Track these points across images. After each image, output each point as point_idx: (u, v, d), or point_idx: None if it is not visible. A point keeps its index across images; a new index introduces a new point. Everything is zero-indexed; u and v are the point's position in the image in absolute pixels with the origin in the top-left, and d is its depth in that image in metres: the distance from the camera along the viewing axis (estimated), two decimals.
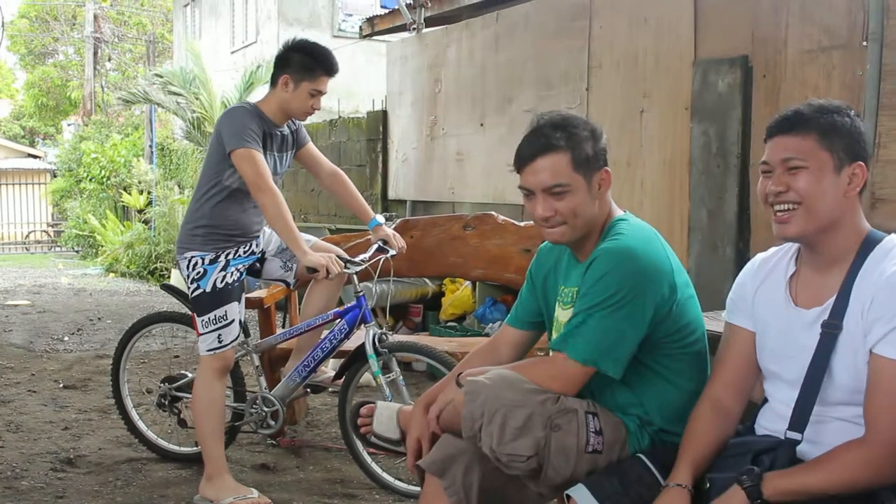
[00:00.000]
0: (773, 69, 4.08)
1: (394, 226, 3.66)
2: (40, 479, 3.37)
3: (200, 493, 3.11)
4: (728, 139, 4.26)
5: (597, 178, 1.93)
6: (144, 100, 11.98)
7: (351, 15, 13.59)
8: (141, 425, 3.69)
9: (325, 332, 3.27)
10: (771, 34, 4.08)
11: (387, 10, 8.73)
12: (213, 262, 3.09)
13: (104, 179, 16.34)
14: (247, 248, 3.21)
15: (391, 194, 7.67)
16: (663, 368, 1.91)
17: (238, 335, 3.15)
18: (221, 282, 3.08)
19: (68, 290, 10.60)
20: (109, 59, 24.90)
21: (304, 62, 3.05)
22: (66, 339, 6.77)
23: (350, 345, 3.26)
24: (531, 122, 1.97)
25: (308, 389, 3.47)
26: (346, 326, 3.20)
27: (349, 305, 3.23)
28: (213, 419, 3.12)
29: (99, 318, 7.89)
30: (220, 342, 3.09)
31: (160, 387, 3.55)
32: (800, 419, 1.65)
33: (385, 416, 2.11)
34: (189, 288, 3.13)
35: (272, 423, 3.33)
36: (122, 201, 15.12)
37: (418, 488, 2.15)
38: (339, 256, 3.06)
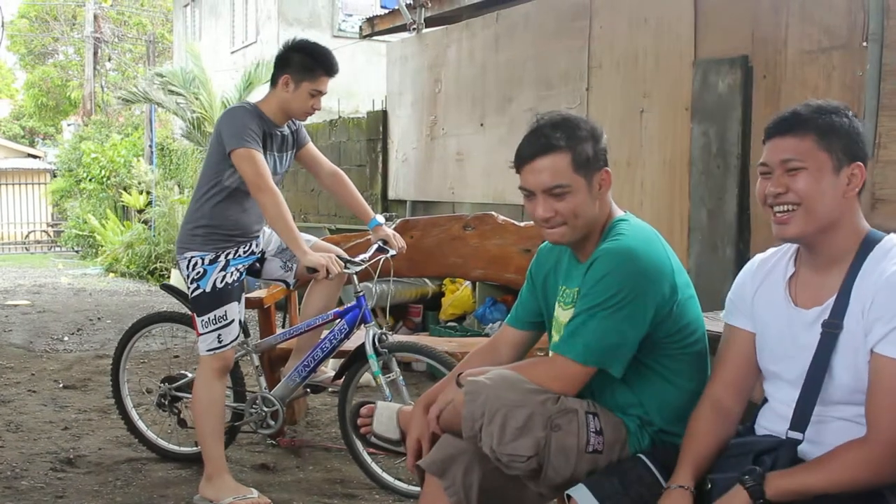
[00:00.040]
0: (774, 69, 4.08)
1: (394, 226, 3.66)
2: (40, 478, 3.37)
3: (200, 493, 3.11)
4: (728, 139, 4.26)
5: (597, 179, 1.93)
6: (144, 99, 11.99)
7: (351, 15, 13.59)
8: (141, 425, 3.69)
9: (325, 332, 3.27)
10: (771, 34, 4.09)
11: (387, 11, 8.72)
12: (213, 262, 3.09)
13: (104, 179, 16.34)
14: (247, 248, 3.21)
15: (391, 194, 7.67)
16: (663, 369, 1.91)
17: (238, 335, 3.15)
18: (221, 282, 3.08)
19: (68, 290, 10.60)
20: (109, 59, 24.90)
21: (305, 62, 3.05)
22: (65, 338, 6.77)
23: (350, 345, 3.26)
24: (531, 122, 1.97)
25: (308, 389, 3.47)
26: (346, 326, 3.20)
27: (349, 305, 3.23)
28: (213, 419, 3.12)
29: (99, 318, 7.89)
30: (219, 342, 3.09)
31: (160, 387, 3.55)
32: (801, 419, 1.65)
33: (385, 417, 2.11)
34: (189, 288, 3.13)
35: (272, 423, 3.33)
36: (122, 201, 15.12)
37: (418, 488, 2.15)
38: (339, 256, 3.06)
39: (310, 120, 3.33)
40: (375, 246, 3.30)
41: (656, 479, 1.80)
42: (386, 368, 3.12)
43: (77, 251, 17.14)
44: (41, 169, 22.30)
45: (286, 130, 3.21)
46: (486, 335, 5.01)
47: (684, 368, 1.92)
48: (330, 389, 3.59)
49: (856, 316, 1.61)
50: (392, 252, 3.29)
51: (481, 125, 6.36)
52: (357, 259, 3.19)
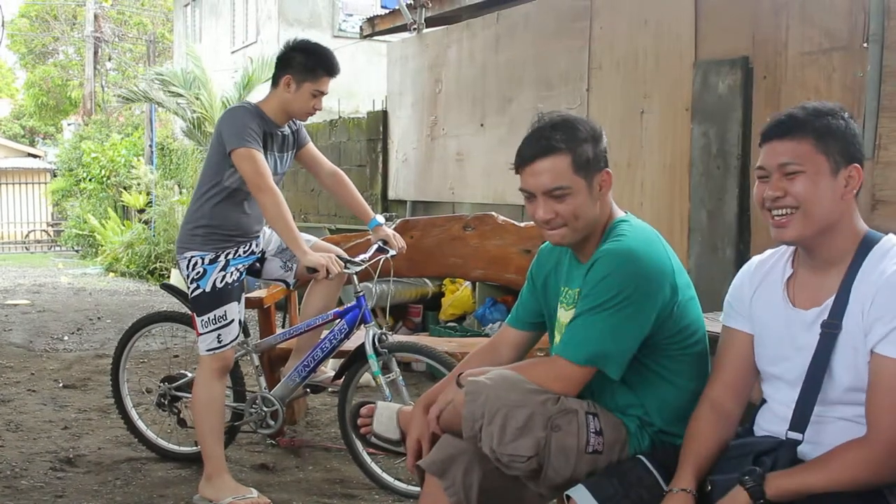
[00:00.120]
0: (774, 71, 4.08)
1: (394, 226, 3.66)
2: (40, 478, 3.37)
3: (200, 492, 3.11)
4: (728, 140, 4.27)
5: (597, 180, 1.93)
6: (145, 99, 11.99)
7: (351, 15, 13.59)
8: (140, 425, 3.69)
9: (325, 332, 3.27)
10: (771, 35, 4.09)
11: (387, 11, 8.73)
12: (213, 261, 3.09)
13: (104, 179, 16.35)
14: (247, 247, 3.21)
15: (391, 194, 7.67)
16: (664, 369, 1.91)
17: (238, 335, 3.15)
18: (221, 282, 3.08)
19: (68, 290, 10.60)
20: (110, 59, 24.90)
21: (307, 63, 3.05)
22: (65, 338, 6.77)
23: (350, 345, 3.26)
24: (531, 123, 1.97)
25: (308, 389, 3.47)
26: (345, 326, 3.20)
27: (349, 305, 3.23)
28: (213, 419, 3.12)
29: (98, 318, 7.89)
30: (219, 342, 3.09)
31: (160, 386, 3.55)
32: (800, 419, 1.66)
33: (385, 417, 2.11)
34: (189, 288, 3.13)
35: (272, 422, 3.33)
36: (122, 201, 15.13)
37: (418, 488, 2.15)
38: (339, 256, 3.06)
39: (310, 120, 3.33)
40: (375, 246, 3.30)
41: (656, 480, 1.80)
42: (386, 368, 3.12)
43: (77, 251, 17.14)
44: (41, 168, 22.31)
45: (287, 130, 3.21)
46: (486, 335, 5.01)
47: (685, 369, 1.92)
48: (330, 389, 3.59)
49: (855, 316, 1.61)
50: (392, 252, 3.29)
51: (481, 125, 6.36)
52: (357, 259, 3.19)
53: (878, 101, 3.56)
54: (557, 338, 1.99)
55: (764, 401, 1.82)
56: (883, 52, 3.54)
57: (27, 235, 21.05)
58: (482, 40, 6.39)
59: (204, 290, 3.08)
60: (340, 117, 8.89)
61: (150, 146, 15.27)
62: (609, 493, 1.76)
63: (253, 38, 14.44)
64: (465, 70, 6.61)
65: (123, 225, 14.30)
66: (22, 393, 4.78)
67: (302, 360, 3.26)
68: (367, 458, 3.25)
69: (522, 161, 1.93)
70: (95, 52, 21.90)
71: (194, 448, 3.49)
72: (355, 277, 3.19)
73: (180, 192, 13.09)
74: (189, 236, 3.13)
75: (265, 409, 3.32)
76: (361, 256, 3.23)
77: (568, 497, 1.78)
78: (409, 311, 6.25)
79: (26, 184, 21.69)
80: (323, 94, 3.09)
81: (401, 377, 3.13)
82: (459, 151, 6.62)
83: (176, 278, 9.43)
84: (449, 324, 5.86)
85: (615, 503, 1.75)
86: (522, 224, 3.87)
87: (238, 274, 3.14)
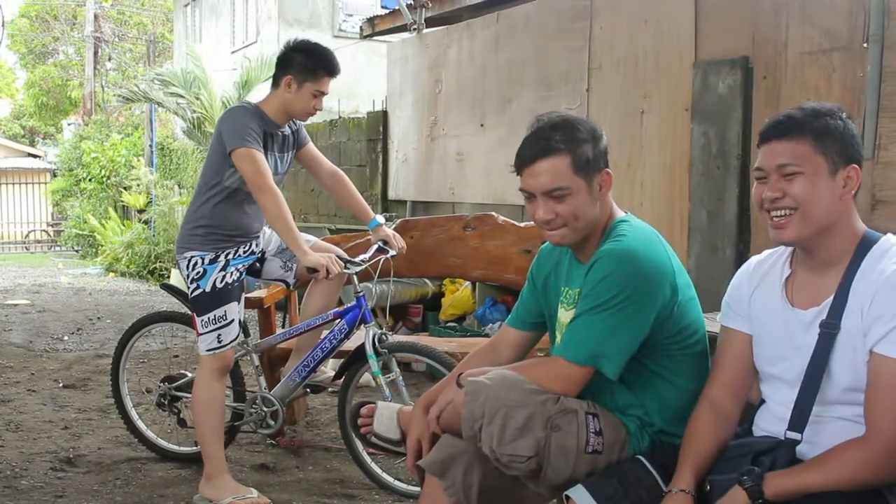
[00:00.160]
0: (774, 71, 4.08)
1: (394, 226, 3.66)
2: (40, 478, 3.37)
3: (200, 492, 3.11)
4: (728, 141, 4.27)
5: (597, 180, 1.93)
6: (145, 98, 12.00)
7: (351, 15, 13.59)
8: (140, 425, 3.69)
9: (325, 333, 3.27)
10: (771, 35, 4.09)
11: (387, 11, 8.73)
12: (213, 261, 3.09)
13: (104, 179, 16.35)
14: (247, 247, 3.21)
15: (391, 194, 7.67)
16: (664, 370, 1.91)
17: (238, 335, 3.15)
18: (221, 282, 3.08)
19: (68, 290, 10.60)
20: (110, 59, 24.89)
21: (307, 63, 3.05)
22: (65, 338, 6.77)
23: (350, 345, 3.26)
24: (531, 123, 1.97)
25: (308, 389, 3.47)
26: (345, 326, 3.20)
27: (349, 306, 3.23)
28: (213, 419, 3.12)
29: (98, 318, 7.89)
30: (219, 342, 3.09)
31: (160, 386, 3.55)
32: (799, 419, 1.66)
33: (386, 417, 2.11)
34: (189, 288, 3.13)
35: (272, 422, 3.33)
36: (122, 201, 15.13)
37: (418, 489, 2.15)
38: (338, 256, 3.06)
39: (310, 120, 3.33)
40: (375, 246, 3.30)
41: (655, 480, 1.80)
42: (386, 369, 3.12)
43: (77, 251, 17.15)
44: (41, 168, 22.32)
45: (287, 130, 3.21)
46: (486, 335, 5.01)
47: (685, 369, 1.93)
48: (330, 389, 3.59)
49: (854, 316, 1.61)
50: (392, 252, 3.29)
51: (481, 126, 6.36)
52: (357, 259, 3.19)
53: (878, 101, 3.56)
54: (558, 338, 1.99)
55: (763, 401, 1.82)
56: (883, 52, 3.54)
57: (27, 235, 21.06)
58: (482, 40, 6.39)
59: (204, 290, 3.08)
60: (340, 117, 8.89)
61: (150, 146, 15.28)
62: (608, 493, 1.76)
63: (253, 39, 14.44)
64: (465, 70, 6.61)
65: (123, 225, 14.31)
66: (22, 393, 4.78)
67: (302, 360, 3.26)
68: (367, 458, 3.25)
69: (522, 162, 1.93)
70: (95, 52, 21.90)
71: (194, 448, 3.49)
72: (355, 277, 3.19)
73: (180, 192, 13.09)
74: (189, 236, 3.13)
75: (265, 409, 3.32)
76: (361, 256, 3.23)
77: (567, 497, 1.79)
78: (409, 311, 6.26)
79: (26, 184, 21.70)
80: (324, 94, 3.10)
81: (401, 377, 3.13)
82: (459, 151, 6.62)
83: (176, 278, 9.43)
84: (449, 324, 5.86)
85: (614, 503, 1.75)
86: (522, 224, 3.87)
87: (238, 274, 3.14)
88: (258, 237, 3.28)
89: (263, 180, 2.94)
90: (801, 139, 1.65)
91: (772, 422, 1.74)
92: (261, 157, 2.97)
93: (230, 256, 3.12)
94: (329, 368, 3.47)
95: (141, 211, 14.42)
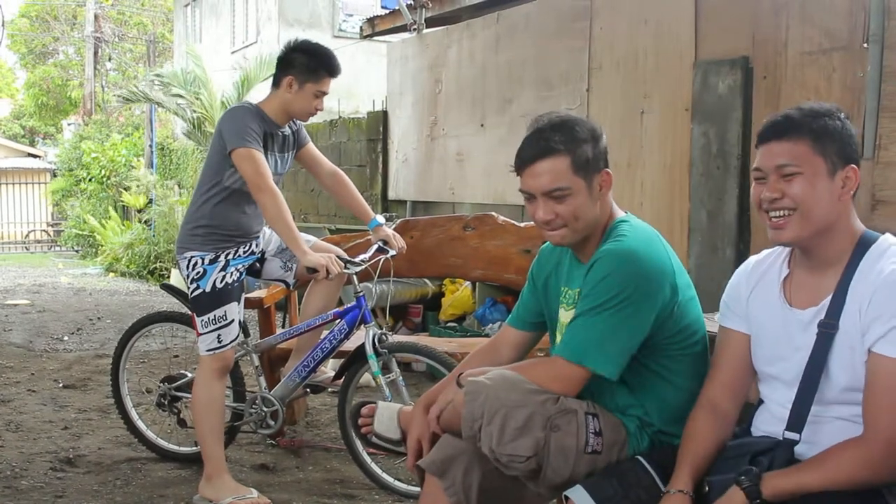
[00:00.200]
0: (774, 71, 4.08)
1: (394, 226, 3.66)
2: (40, 478, 3.37)
3: (200, 492, 3.11)
4: (728, 141, 4.27)
5: (597, 180, 1.93)
6: (145, 99, 12.00)
7: (351, 15, 13.59)
8: (140, 425, 3.69)
9: (325, 333, 3.27)
10: (771, 35, 4.09)
11: (387, 11, 8.73)
12: (213, 262, 3.09)
13: (104, 179, 16.35)
14: (247, 248, 3.21)
15: (391, 195, 7.67)
16: (664, 370, 1.91)
17: (238, 335, 3.15)
18: (221, 282, 3.08)
19: (68, 290, 10.60)
20: (110, 59, 24.90)
21: (308, 64, 3.05)
22: (65, 338, 6.77)
23: (350, 345, 3.26)
24: (531, 123, 1.97)
25: (308, 389, 3.47)
26: (345, 327, 3.20)
27: (349, 306, 3.23)
28: (213, 419, 3.12)
29: (98, 318, 7.89)
30: (219, 342, 3.09)
31: (160, 386, 3.55)
32: (797, 419, 1.66)
33: (386, 417, 2.11)
34: (189, 288, 3.13)
35: (272, 423, 3.33)
36: (122, 201, 15.14)
37: (418, 489, 2.15)
38: (338, 256, 3.06)
39: (310, 120, 3.33)
40: (375, 246, 3.31)
41: (654, 481, 1.80)
42: (386, 369, 3.12)
43: (77, 251, 17.15)
44: (41, 168, 22.32)
45: (287, 131, 3.21)
46: (486, 336, 5.01)
47: (684, 369, 1.93)
48: (330, 389, 3.59)
49: (852, 316, 1.61)
50: (392, 252, 3.29)
51: (481, 126, 6.36)
52: (357, 259, 3.19)
53: (879, 101, 3.56)
54: (558, 338, 1.99)
55: (761, 401, 1.82)
56: (883, 52, 3.55)
57: (27, 235, 21.06)
58: (482, 40, 6.39)
59: (204, 291, 3.08)
60: (340, 117, 8.90)
61: (150, 146, 15.28)
62: (608, 493, 1.76)
63: (253, 39, 14.44)
64: (465, 70, 6.61)
65: (123, 225, 14.31)
66: (22, 393, 4.78)
67: (302, 361, 3.26)
68: (367, 458, 3.25)
69: (522, 162, 1.93)
70: (95, 52, 21.90)
71: (194, 448, 3.49)
72: (355, 277, 3.19)
73: (180, 193, 13.09)
74: (189, 236, 3.13)
75: (265, 409, 3.32)
76: (361, 256, 3.23)
77: (566, 497, 1.79)
78: (409, 312, 6.26)
79: (26, 184, 21.70)
80: (325, 94, 3.10)
81: (401, 377, 3.13)
82: (459, 152, 6.62)
83: (176, 278, 9.43)
84: (449, 324, 5.86)
85: (614, 503, 1.75)
86: (522, 224, 3.87)
87: (238, 274, 3.14)
88: (258, 237, 3.28)
89: (263, 180, 2.94)
90: (799, 140, 1.65)
91: (770, 422, 1.74)
92: (261, 157, 2.97)
93: (230, 256, 3.13)
94: (329, 368, 3.47)
95: (141, 211, 14.42)
